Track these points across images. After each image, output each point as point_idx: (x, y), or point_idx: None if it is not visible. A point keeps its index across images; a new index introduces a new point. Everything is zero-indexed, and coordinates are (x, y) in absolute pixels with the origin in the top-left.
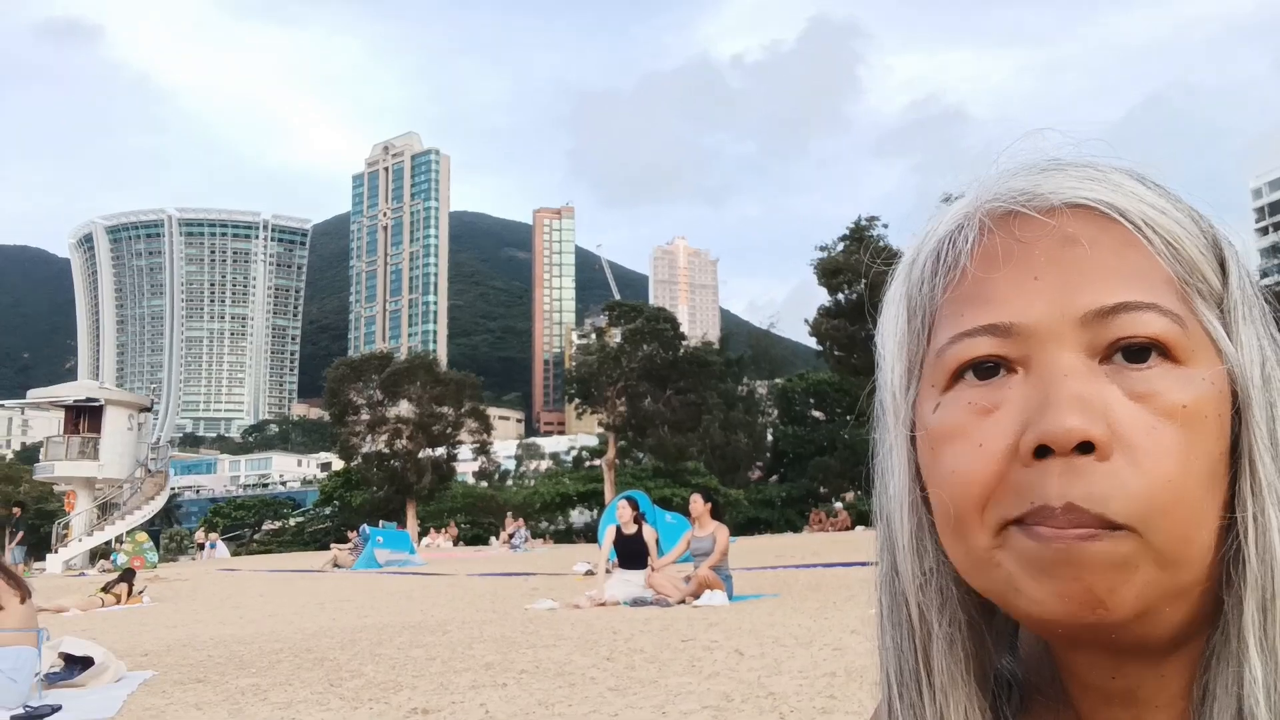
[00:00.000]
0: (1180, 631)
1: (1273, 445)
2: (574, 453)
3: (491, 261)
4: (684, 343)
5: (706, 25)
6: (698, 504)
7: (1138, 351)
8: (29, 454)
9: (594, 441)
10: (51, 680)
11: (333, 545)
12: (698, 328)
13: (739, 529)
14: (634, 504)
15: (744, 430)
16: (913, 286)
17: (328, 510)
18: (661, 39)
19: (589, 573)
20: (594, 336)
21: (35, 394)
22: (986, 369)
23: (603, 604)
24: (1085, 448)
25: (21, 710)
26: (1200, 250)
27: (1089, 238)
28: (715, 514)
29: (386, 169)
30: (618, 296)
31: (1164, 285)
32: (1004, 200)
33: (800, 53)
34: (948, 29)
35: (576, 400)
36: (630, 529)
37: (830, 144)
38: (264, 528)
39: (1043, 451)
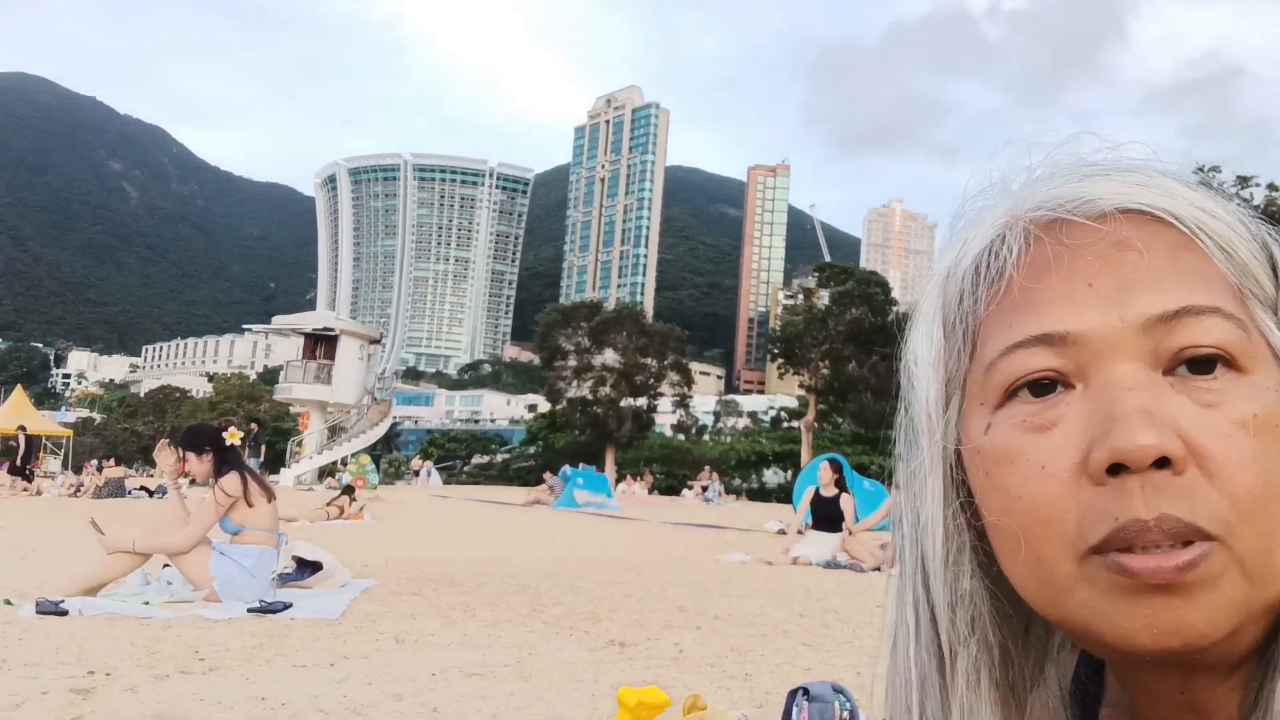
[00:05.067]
0: (1255, 646)
1: None
2: (772, 412)
3: (702, 217)
4: (894, 308)
5: None
6: None
7: (1202, 362)
8: (270, 375)
9: (793, 403)
10: (284, 580)
11: (529, 490)
12: (910, 294)
13: None
14: (837, 467)
15: None
16: (949, 301)
17: (532, 449)
18: None
19: (781, 531)
20: (801, 297)
21: (279, 321)
22: (1042, 386)
23: (795, 561)
24: (1161, 463)
25: (257, 604)
26: (1253, 254)
27: (1142, 241)
28: None
29: (608, 121)
30: (828, 258)
31: (1223, 289)
32: (1049, 207)
33: (1066, 1)
34: None
35: (779, 360)
36: (829, 491)
37: (1087, 99)
38: (473, 460)
39: (1115, 469)
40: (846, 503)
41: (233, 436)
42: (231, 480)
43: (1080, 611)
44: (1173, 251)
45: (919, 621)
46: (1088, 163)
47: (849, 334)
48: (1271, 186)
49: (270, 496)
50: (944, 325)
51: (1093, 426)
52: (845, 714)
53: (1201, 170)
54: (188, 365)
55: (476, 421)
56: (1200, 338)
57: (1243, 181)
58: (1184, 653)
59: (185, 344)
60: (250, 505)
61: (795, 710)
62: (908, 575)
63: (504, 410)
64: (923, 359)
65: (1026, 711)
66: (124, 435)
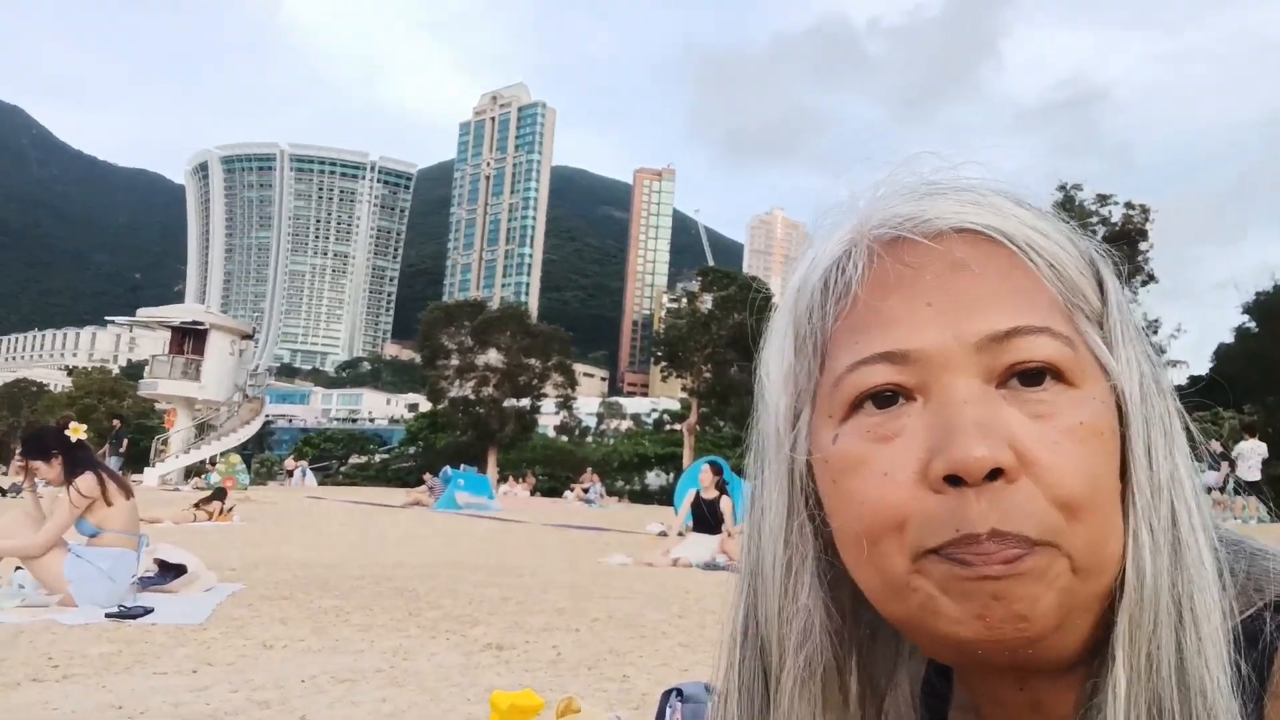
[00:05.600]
0: (1086, 643)
1: (1148, 461)
2: (655, 415)
3: (588, 218)
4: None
5: None
6: None
7: (1033, 375)
8: (134, 370)
9: (676, 405)
10: (145, 584)
11: (408, 491)
12: None
13: None
14: (717, 469)
15: None
16: (799, 315)
17: (412, 450)
18: None
19: (662, 533)
20: (685, 301)
21: (144, 313)
22: (885, 398)
23: (675, 563)
24: (994, 474)
25: (116, 609)
26: (1080, 271)
27: (977, 262)
28: None
29: (493, 119)
30: (711, 262)
31: (1052, 307)
32: (890, 226)
33: (943, 19)
34: (1108, 5)
35: (662, 363)
36: (710, 494)
37: (963, 116)
38: (350, 461)
39: (953, 480)
40: (726, 505)
41: (75, 432)
42: (87, 481)
43: (916, 604)
44: (1005, 271)
45: (749, 631)
46: (927, 181)
47: (731, 338)
48: (1129, 205)
49: (129, 494)
50: (795, 339)
51: (931, 437)
52: None
53: (1064, 188)
54: (45, 358)
55: (354, 421)
56: (1032, 354)
57: (1102, 200)
58: (1015, 643)
59: (43, 336)
60: (109, 505)
61: (669, 711)
62: (744, 585)
63: (383, 409)
64: (774, 373)
65: (881, 717)
66: None
